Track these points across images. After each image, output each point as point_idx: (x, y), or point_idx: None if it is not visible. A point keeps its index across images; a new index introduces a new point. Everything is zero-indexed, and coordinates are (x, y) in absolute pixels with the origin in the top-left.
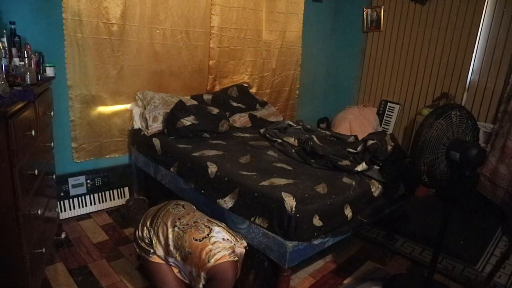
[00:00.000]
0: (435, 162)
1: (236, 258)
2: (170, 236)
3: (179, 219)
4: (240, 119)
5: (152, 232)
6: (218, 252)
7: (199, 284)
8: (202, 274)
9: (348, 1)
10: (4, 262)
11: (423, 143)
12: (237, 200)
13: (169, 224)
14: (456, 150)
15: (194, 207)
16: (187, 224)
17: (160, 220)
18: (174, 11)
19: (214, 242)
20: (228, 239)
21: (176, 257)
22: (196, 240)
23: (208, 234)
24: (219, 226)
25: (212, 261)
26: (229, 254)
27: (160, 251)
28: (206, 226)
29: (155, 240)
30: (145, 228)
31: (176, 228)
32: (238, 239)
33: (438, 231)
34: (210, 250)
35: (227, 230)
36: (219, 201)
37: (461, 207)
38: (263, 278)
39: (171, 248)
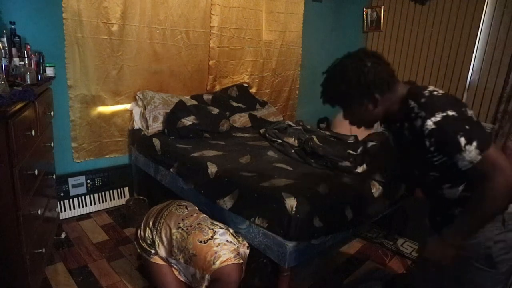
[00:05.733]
0: None
1: (241, 261)
2: (174, 237)
3: (182, 220)
4: (240, 119)
5: (155, 232)
6: (224, 254)
7: (202, 286)
8: (207, 276)
9: (348, 1)
10: (4, 262)
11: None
12: (237, 200)
13: (172, 225)
14: None
15: (197, 208)
16: (191, 226)
17: (163, 221)
18: (174, 11)
19: (219, 244)
20: (231, 241)
21: (179, 259)
22: (201, 242)
23: (212, 236)
24: (222, 228)
25: (217, 263)
26: (234, 257)
27: (162, 252)
28: (210, 228)
29: (158, 241)
30: (147, 228)
31: (180, 230)
32: (240, 241)
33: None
34: (216, 252)
35: (230, 233)
36: (219, 201)
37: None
38: (268, 282)
39: (175, 249)
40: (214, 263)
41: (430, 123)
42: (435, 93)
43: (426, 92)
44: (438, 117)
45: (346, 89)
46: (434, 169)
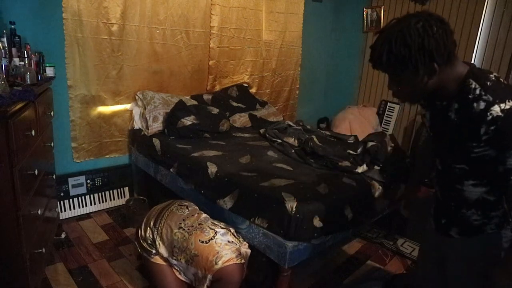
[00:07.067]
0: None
1: (243, 261)
2: (175, 237)
3: (183, 220)
4: (240, 119)
5: (156, 232)
6: (226, 254)
7: (203, 286)
8: (209, 276)
9: (348, 1)
10: (4, 262)
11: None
12: (237, 200)
13: (173, 225)
14: None
15: (198, 208)
16: (192, 226)
17: (164, 221)
18: (174, 11)
19: (220, 244)
20: (233, 241)
21: (180, 259)
22: (202, 242)
23: (213, 236)
24: (223, 228)
25: (219, 263)
26: (236, 257)
27: (163, 252)
28: (211, 228)
29: (159, 241)
30: (148, 228)
31: (181, 230)
32: (241, 241)
33: None
34: (218, 252)
35: (231, 233)
36: (219, 201)
37: None
38: (270, 282)
39: (177, 249)
40: (216, 263)
41: (497, 109)
42: (501, 79)
43: (492, 76)
44: (508, 105)
45: (405, 52)
46: (466, 160)
